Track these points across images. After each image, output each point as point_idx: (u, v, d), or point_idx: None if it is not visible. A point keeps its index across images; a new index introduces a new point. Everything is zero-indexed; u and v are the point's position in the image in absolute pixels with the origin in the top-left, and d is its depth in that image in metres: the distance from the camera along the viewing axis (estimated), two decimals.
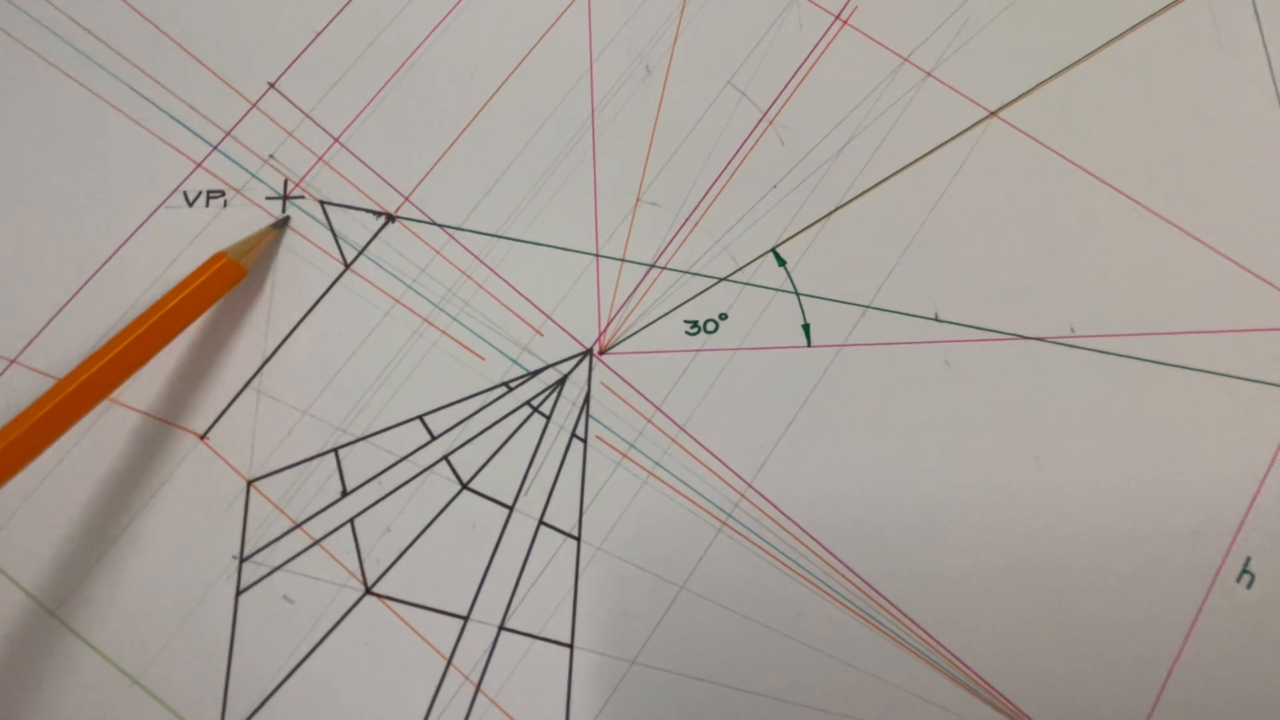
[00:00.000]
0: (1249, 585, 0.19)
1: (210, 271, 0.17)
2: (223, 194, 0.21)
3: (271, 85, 0.21)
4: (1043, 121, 0.22)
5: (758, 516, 0.19)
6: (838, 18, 0.22)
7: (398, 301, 0.20)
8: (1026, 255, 0.21)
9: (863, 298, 0.20)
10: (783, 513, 0.19)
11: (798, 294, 0.20)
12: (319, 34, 0.22)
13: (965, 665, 0.18)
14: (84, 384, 0.16)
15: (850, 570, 0.19)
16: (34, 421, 0.16)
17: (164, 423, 0.19)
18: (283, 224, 0.19)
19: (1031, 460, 0.19)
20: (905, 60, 0.22)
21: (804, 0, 0.22)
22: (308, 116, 0.21)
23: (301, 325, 0.20)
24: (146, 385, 0.19)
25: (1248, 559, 0.19)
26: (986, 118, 0.22)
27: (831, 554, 0.19)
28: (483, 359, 0.20)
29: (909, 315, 0.20)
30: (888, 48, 0.22)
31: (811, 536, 0.19)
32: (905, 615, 0.18)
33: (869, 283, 0.20)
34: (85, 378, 0.16)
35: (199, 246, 0.20)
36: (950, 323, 0.20)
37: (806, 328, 0.20)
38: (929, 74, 0.22)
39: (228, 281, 0.18)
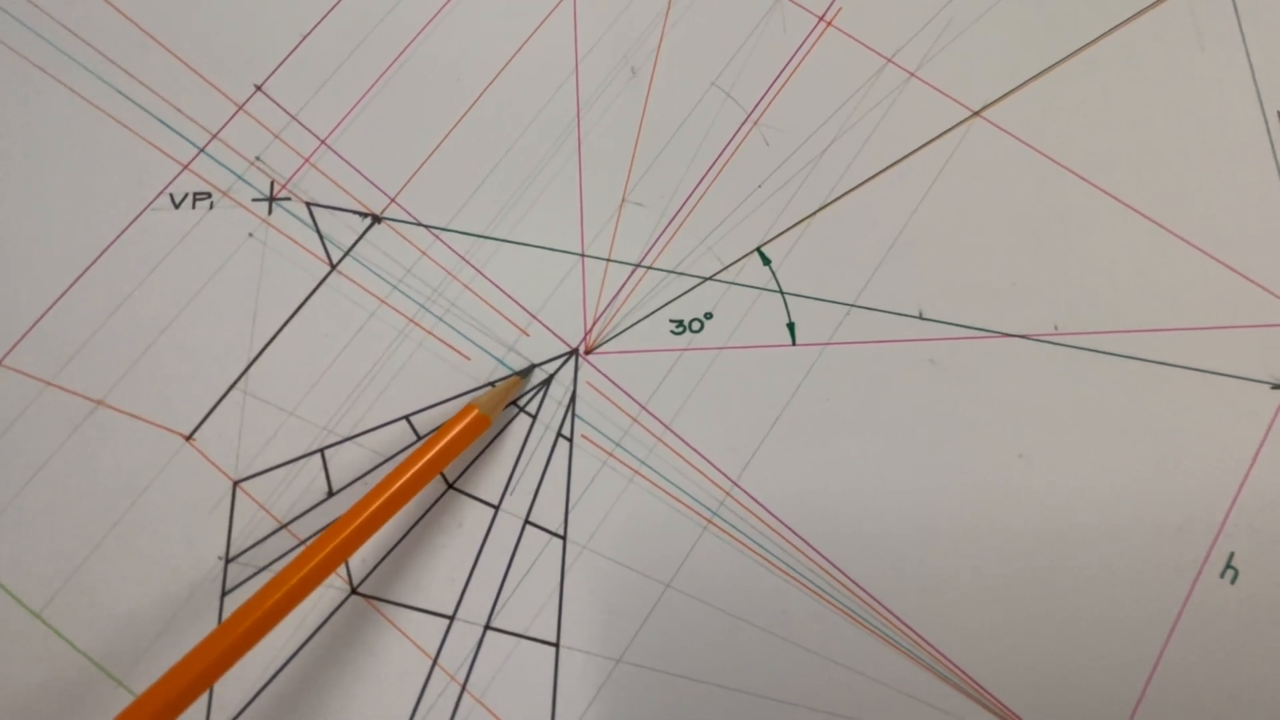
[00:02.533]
0: (1233, 581, 0.18)
1: (464, 423, 0.17)
2: (209, 196, 0.20)
3: (258, 88, 0.21)
4: (1026, 121, 0.21)
5: (743, 515, 0.18)
6: (821, 19, 0.22)
7: (383, 302, 0.19)
8: (1010, 253, 0.20)
9: (847, 296, 0.20)
10: (768, 511, 0.18)
11: (782, 293, 0.20)
12: (305, 36, 0.21)
13: (951, 661, 0.18)
14: (347, 537, 0.15)
15: (836, 568, 0.18)
16: (313, 564, 0.15)
17: (150, 424, 0.18)
18: (527, 372, 0.18)
19: (1016, 457, 0.19)
20: (889, 61, 0.22)
21: (788, 2, 0.22)
22: (294, 119, 0.21)
23: (287, 326, 0.19)
24: (133, 387, 0.19)
25: (1231, 554, 0.18)
26: (970, 117, 0.21)
27: (817, 552, 0.18)
28: (469, 359, 0.19)
29: (893, 314, 0.20)
30: (871, 49, 0.22)
31: (797, 534, 0.18)
32: (891, 612, 0.18)
33: (853, 281, 0.20)
34: (349, 532, 0.15)
35: (185, 248, 0.20)
36: (935, 321, 0.20)
37: (791, 326, 0.20)
38: (913, 74, 0.21)
39: (476, 430, 0.17)
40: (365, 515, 0.16)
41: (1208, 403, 0.19)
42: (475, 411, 0.17)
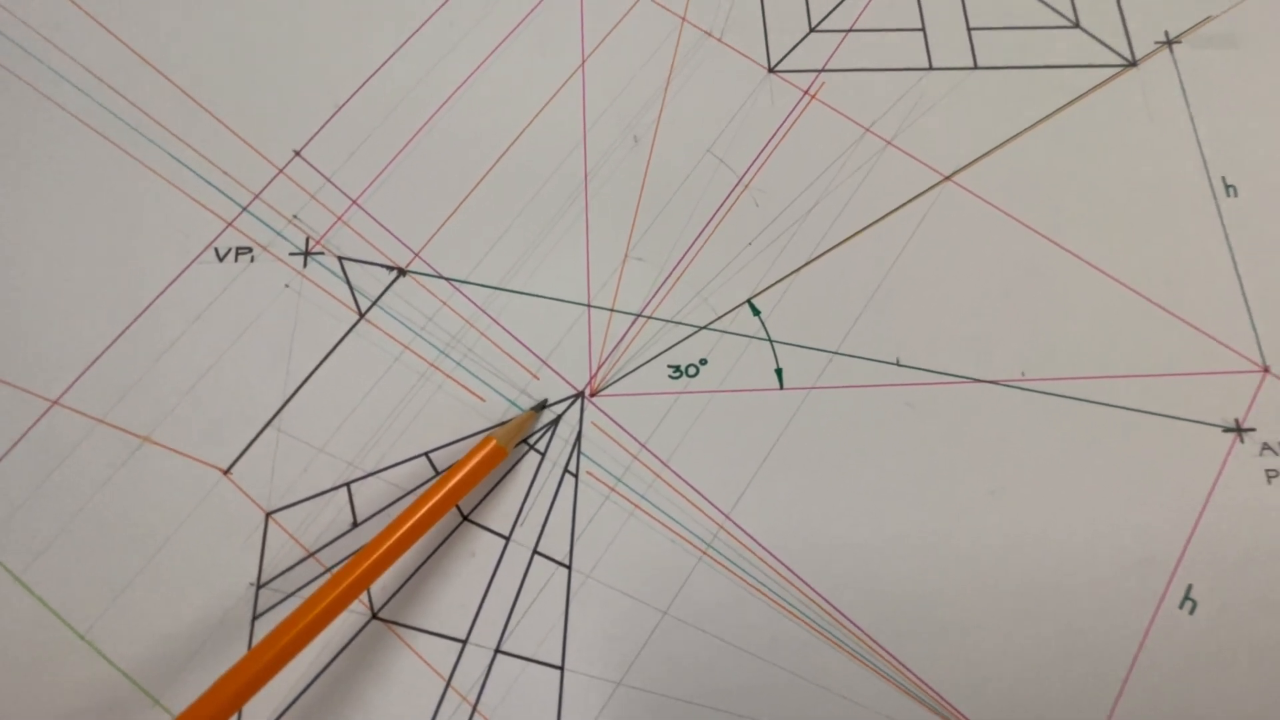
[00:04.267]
0: (1191, 611, 0.19)
1: (483, 453, 0.18)
2: (250, 250, 0.22)
3: (297, 153, 0.22)
4: (993, 185, 0.23)
5: (735, 547, 0.19)
6: (806, 92, 0.24)
7: (407, 348, 0.21)
8: (980, 305, 0.22)
9: (830, 344, 0.21)
10: (759, 543, 0.19)
11: (771, 341, 0.21)
12: (340, 107, 0.23)
13: (929, 687, 0.19)
14: (370, 566, 0.16)
15: (822, 598, 0.19)
16: (349, 580, 0.16)
17: (191, 459, 0.20)
18: (541, 407, 0.20)
19: (987, 494, 0.20)
20: (867, 130, 0.23)
21: (775, 77, 0.24)
22: (329, 181, 0.22)
23: (319, 370, 0.20)
24: (176, 424, 0.20)
25: (1189, 586, 0.19)
26: (941, 182, 0.23)
27: (804, 582, 0.19)
28: (483, 400, 0.20)
29: (873, 360, 0.21)
30: (852, 119, 0.23)
31: (786, 565, 0.19)
32: (874, 640, 0.19)
33: (836, 331, 0.21)
34: (371, 561, 0.16)
35: (227, 298, 0.21)
36: (911, 367, 0.21)
37: (779, 372, 0.21)
38: (889, 142, 0.23)
39: (494, 461, 0.18)
40: (389, 543, 0.17)
41: (1164, 444, 0.20)
42: (493, 443, 0.19)
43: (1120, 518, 0.20)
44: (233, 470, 0.20)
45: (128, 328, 0.21)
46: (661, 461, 0.20)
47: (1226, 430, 0.21)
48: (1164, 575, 0.19)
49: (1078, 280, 0.22)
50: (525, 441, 0.20)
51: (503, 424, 0.20)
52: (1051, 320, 0.21)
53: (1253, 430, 0.21)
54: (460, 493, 0.18)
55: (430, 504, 0.17)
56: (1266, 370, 0.21)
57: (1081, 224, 0.22)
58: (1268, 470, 0.20)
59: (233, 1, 0.24)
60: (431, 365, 0.21)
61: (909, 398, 0.21)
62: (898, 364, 0.21)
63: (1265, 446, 0.20)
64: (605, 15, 0.24)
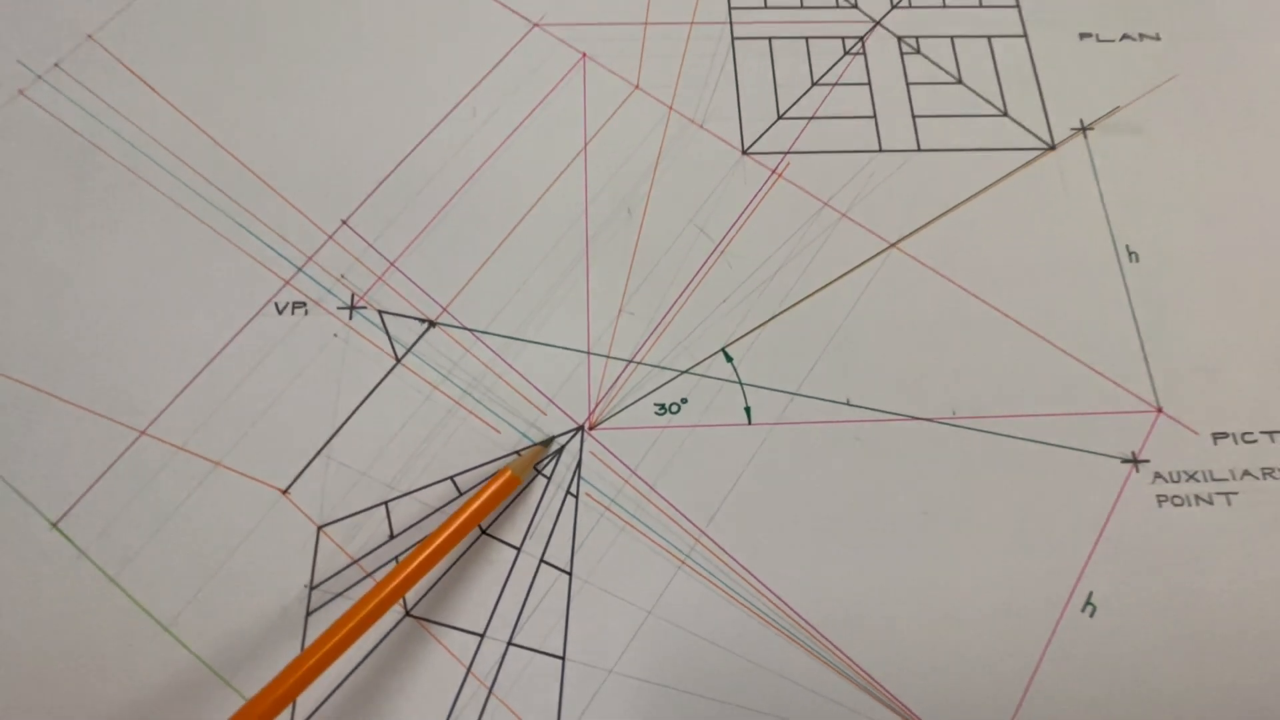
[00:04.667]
0: (1092, 615, 0.23)
1: (500, 482, 0.21)
2: (305, 304, 0.25)
3: (344, 222, 0.26)
4: (931, 251, 0.27)
5: (709, 557, 0.23)
6: (774, 172, 0.27)
7: (435, 388, 0.24)
8: (919, 354, 0.25)
9: (791, 386, 0.25)
10: (728, 554, 0.23)
11: (741, 384, 0.25)
12: (381, 182, 0.27)
13: (869, 675, 0.22)
14: (408, 575, 0.19)
15: (781, 600, 0.22)
16: (375, 601, 0.19)
17: (255, 481, 0.23)
18: (548, 442, 0.23)
19: (921, 514, 0.23)
20: (825, 204, 0.27)
21: (748, 159, 0.28)
22: (371, 246, 0.26)
23: (362, 407, 0.24)
24: (244, 451, 0.23)
25: (1090, 593, 0.23)
26: (887, 248, 0.27)
27: (766, 587, 0.23)
28: (499, 433, 0.24)
29: (827, 400, 0.25)
30: (813, 194, 0.27)
31: (751, 573, 0.23)
32: (824, 635, 0.22)
33: (796, 375, 0.25)
34: (409, 570, 0.19)
35: (285, 345, 0.25)
36: (859, 406, 0.25)
37: (748, 410, 0.24)
38: (844, 215, 0.27)
39: (510, 489, 0.22)
40: (422, 557, 0.20)
41: (1072, 473, 0.24)
42: (509, 473, 0.22)
43: (1033, 533, 0.23)
44: (290, 490, 0.23)
45: (203, 370, 0.24)
46: (648, 485, 0.23)
47: (1124, 461, 0.24)
48: (1069, 582, 0.23)
49: (1002, 333, 0.26)
50: (535, 468, 0.23)
51: (517, 453, 0.23)
52: (979, 367, 0.25)
53: (1146, 461, 0.24)
54: (481, 515, 0.22)
55: (456, 525, 0.21)
56: (1159, 410, 0.25)
57: (1006, 284, 0.26)
58: (1158, 495, 0.24)
59: (292, 96, 0.28)
60: (456, 403, 0.24)
61: (857, 433, 0.24)
62: (848, 403, 0.25)
63: (1156, 475, 0.24)
64: (604, 105, 0.28)
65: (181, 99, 0.28)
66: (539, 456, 0.23)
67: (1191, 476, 0.24)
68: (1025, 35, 0.30)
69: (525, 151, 0.28)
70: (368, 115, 0.28)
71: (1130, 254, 0.27)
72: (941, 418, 0.25)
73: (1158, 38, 0.30)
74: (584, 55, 0.29)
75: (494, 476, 0.22)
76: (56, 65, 0.28)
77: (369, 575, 0.23)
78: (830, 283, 0.26)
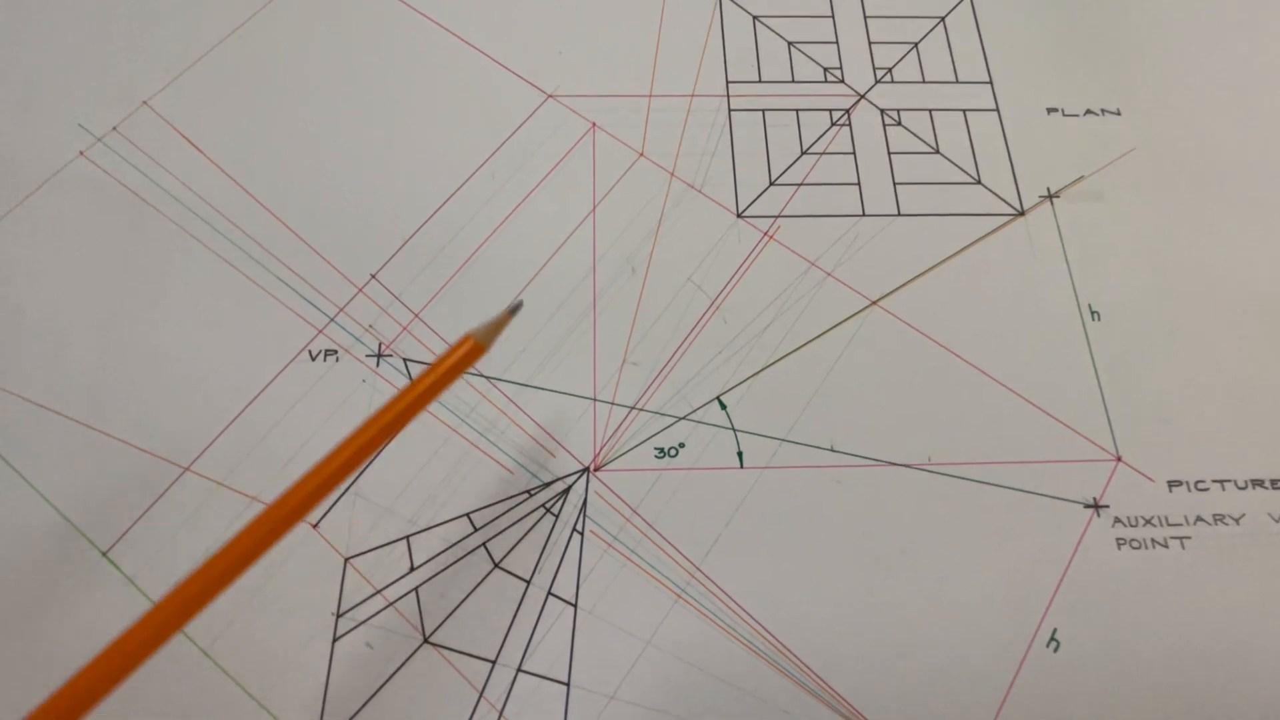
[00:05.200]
0: (1056, 650, 0.24)
1: (461, 351, 0.20)
2: (336, 352, 0.27)
3: (373, 276, 0.29)
4: (910, 308, 0.29)
5: (704, 592, 0.25)
6: (766, 234, 0.30)
7: (454, 431, 0.26)
8: (896, 404, 0.27)
9: (780, 433, 0.27)
10: (720, 589, 0.25)
11: (734, 430, 0.27)
12: (407, 240, 0.29)
13: (848, 702, 0.23)
14: (360, 448, 0.19)
15: (769, 633, 0.24)
16: (330, 470, 0.18)
17: None
18: (516, 308, 0.22)
19: (899, 552, 0.25)
20: (813, 264, 0.29)
21: (743, 221, 0.30)
22: (397, 298, 0.28)
23: (387, 448, 0.26)
24: (279, 488, 0.25)
25: (1055, 630, 0.24)
26: (869, 306, 0.29)
27: (756, 620, 0.24)
28: (512, 473, 0.26)
29: (812, 446, 0.27)
30: (801, 255, 0.29)
31: (742, 607, 0.24)
32: (808, 666, 0.24)
33: (784, 422, 0.27)
34: (360, 443, 0.19)
35: (318, 390, 0.27)
36: (842, 452, 0.26)
37: (740, 454, 0.26)
38: (829, 274, 0.29)
39: (471, 359, 0.20)
40: (373, 432, 0.19)
41: (1037, 517, 0.26)
42: (471, 342, 0.20)
43: (1001, 572, 0.25)
44: (319, 524, 0.25)
45: (242, 411, 0.26)
46: (648, 524, 0.25)
47: (1086, 506, 0.26)
48: (1035, 619, 0.24)
49: (974, 385, 0.28)
50: (544, 507, 0.25)
51: (483, 326, 0.21)
52: (952, 417, 0.27)
53: (1107, 507, 0.26)
54: (439, 389, 0.19)
55: (410, 399, 0.19)
56: (1119, 459, 0.27)
57: (978, 340, 0.28)
58: (1118, 539, 0.26)
59: (328, 160, 0.30)
60: (473, 445, 0.26)
61: (839, 477, 0.26)
62: (831, 449, 0.26)
63: (1116, 520, 0.26)
64: (611, 171, 0.31)
65: (227, 161, 0.31)
66: (504, 326, 0.22)
67: (1148, 521, 0.26)
68: (997, 109, 0.33)
69: (539, 212, 0.30)
70: (397, 178, 0.31)
71: (1093, 313, 0.29)
72: (917, 464, 0.27)
73: (1118, 113, 0.33)
74: (593, 125, 0.32)
75: (456, 344, 0.20)
76: (115, 129, 0.31)
77: (391, 605, 0.24)
78: (816, 337, 0.28)
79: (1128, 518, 0.26)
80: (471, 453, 0.27)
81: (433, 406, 0.27)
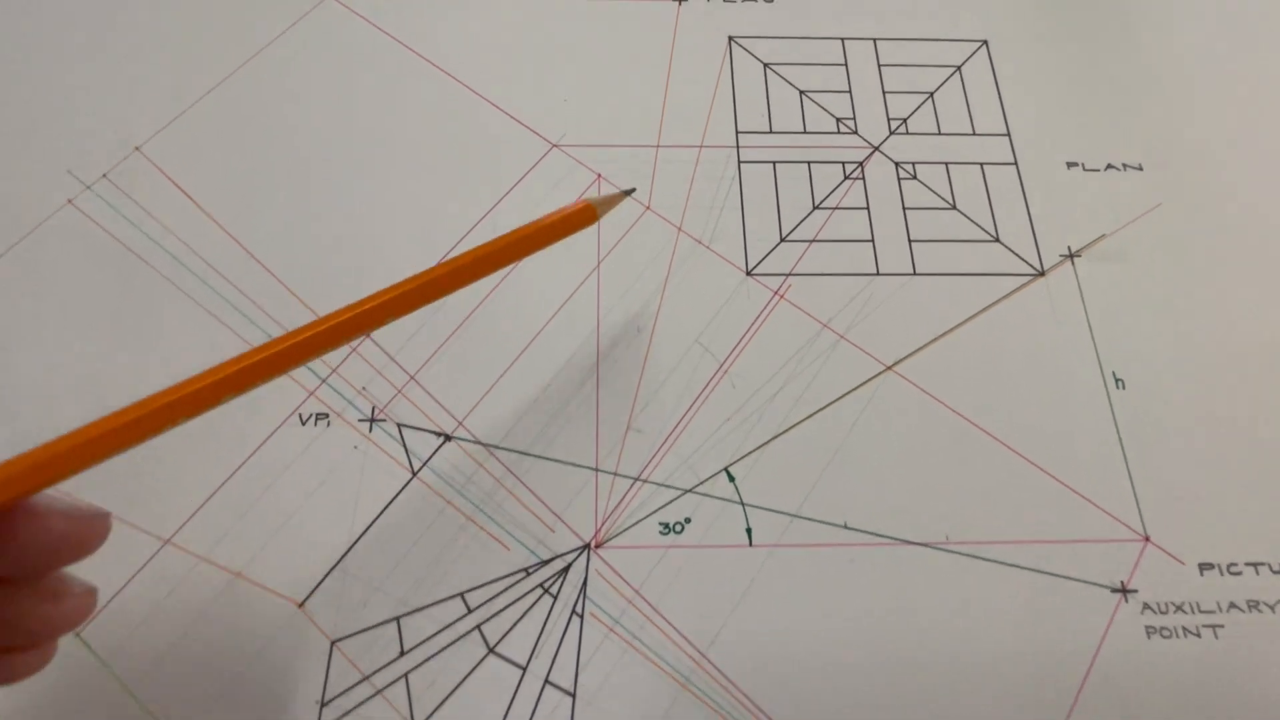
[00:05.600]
0: None
1: (575, 208, 0.22)
2: (327, 416, 0.26)
3: (367, 334, 0.28)
4: (926, 374, 0.28)
5: (709, 681, 0.23)
6: (776, 293, 0.29)
7: (449, 503, 0.25)
8: (913, 477, 0.26)
9: (791, 508, 0.25)
10: (726, 677, 0.23)
11: (743, 504, 0.25)
12: None
13: None
14: (463, 266, 0.20)
15: (766, 716, 0.23)
16: (437, 275, 0.20)
17: (273, 593, 0.24)
18: (630, 192, 0.25)
19: (917, 639, 0.24)
20: (825, 326, 0.28)
21: (752, 281, 0.29)
22: (392, 359, 0.27)
23: (378, 521, 0.25)
24: (263, 563, 0.24)
25: None
26: (884, 371, 0.28)
27: (763, 712, 0.23)
28: (509, 550, 0.25)
29: (825, 523, 0.25)
30: (813, 316, 0.28)
31: (748, 698, 0.23)
32: None
33: (796, 497, 0.26)
34: (465, 262, 0.20)
35: (307, 456, 0.26)
36: (856, 529, 0.25)
37: (749, 531, 0.25)
38: (842, 336, 0.28)
39: (583, 222, 0.22)
40: (473, 258, 0.20)
41: (1063, 600, 0.24)
42: (587, 204, 0.23)
43: (1026, 662, 0.24)
44: (306, 604, 0.24)
45: (227, 480, 0.25)
46: (651, 606, 0.24)
47: (1113, 591, 0.25)
48: (1065, 706, 0.23)
49: (993, 457, 0.26)
50: (541, 586, 0.24)
51: (601, 197, 0.24)
52: (971, 492, 0.26)
53: (1135, 591, 0.25)
54: (543, 239, 0.21)
55: (526, 233, 0.21)
56: (1147, 540, 0.25)
57: (997, 408, 0.27)
58: (1147, 627, 0.24)
59: (322, 211, 0.29)
60: (468, 519, 0.25)
61: (852, 556, 0.25)
62: (845, 526, 0.25)
63: (1145, 605, 0.24)
64: (617, 225, 0.30)
65: (218, 209, 0.30)
66: (619, 201, 0.24)
67: (1179, 608, 0.25)
68: (1016, 163, 0.32)
69: (541, 269, 0.29)
70: (393, 231, 0.29)
71: (1117, 380, 0.28)
72: (935, 542, 0.25)
73: (1140, 167, 0.32)
74: (599, 176, 0.31)
75: (574, 204, 0.22)
76: (105, 176, 0.30)
77: (379, 692, 0.23)
78: (829, 404, 0.27)
79: (1157, 604, 0.25)
80: (467, 526, 0.25)
81: (428, 476, 0.25)
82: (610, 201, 0.24)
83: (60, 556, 0.16)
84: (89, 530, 0.17)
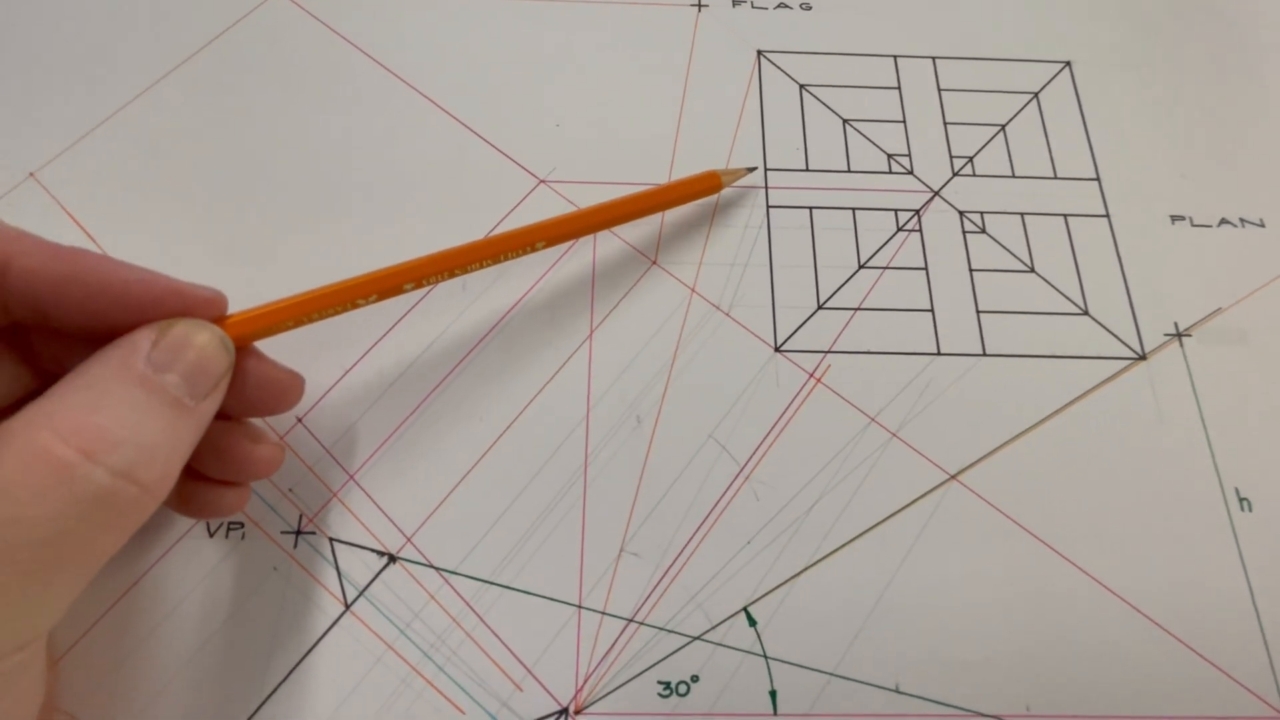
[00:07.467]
0: None
1: (701, 175, 0.23)
2: (242, 525, 0.21)
3: (299, 420, 0.22)
4: (998, 486, 0.22)
5: None
6: (811, 375, 0.23)
7: (390, 647, 0.20)
8: (983, 626, 0.20)
9: (828, 664, 0.20)
10: None
11: (766, 658, 0.20)
12: (344, 374, 0.23)
13: None
14: (596, 212, 0.21)
15: None
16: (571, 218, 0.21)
17: None
18: (752, 169, 0.25)
19: None
20: (873, 420, 0.23)
21: (781, 359, 0.23)
22: (328, 452, 0.22)
23: (297, 669, 0.19)
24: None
25: None
26: (946, 481, 0.22)
27: None
28: (463, 713, 0.19)
29: (871, 685, 0.20)
30: (857, 407, 0.23)
31: None
32: None
33: (834, 649, 0.20)
34: (595, 212, 0.21)
35: (214, 578, 0.20)
36: (911, 695, 0.20)
37: (773, 694, 0.20)
38: (894, 434, 0.22)
39: (708, 189, 0.23)
40: (604, 207, 0.22)
41: None
42: (713, 173, 0.24)
43: None
44: None
45: (113, 605, 0.20)
46: None
47: None
48: None
49: (1087, 601, 0.21)
50: None
51: (727, 169, 0.24)
52: (1059, 647, 0.20)
53: None
54: (669, 199, 0.23)
55: (643, 203, 0.22)
56: None
57: (1090, 536, 0.21)
58: None
59: (242, 257, 0.24)
60: (414, 669, 0.20)
61: None
62: (897, 690, 0.20)
63: None
64: (615, 284, 0.24)
65: (118, 246, 0.24)
66: (742, 176, 0.24)
67: None
68: (1108, 215, 0.26)
69: (519, 340, 0.23)
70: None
71: (1241, 500, 0.22)
72: (1012, 714, 0.20)
73: (1262, 224, 0.26)
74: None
75: (699, 175, 0.23)
76: None
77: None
78: (877, 524, 0.22)
79: None
80: (411, 680, 0.20)
81: (365, 610, 0.20)
82: (734, 174, 0.24)
83: (267, 403, 0.18)
84: (295, 382, 0.18)
